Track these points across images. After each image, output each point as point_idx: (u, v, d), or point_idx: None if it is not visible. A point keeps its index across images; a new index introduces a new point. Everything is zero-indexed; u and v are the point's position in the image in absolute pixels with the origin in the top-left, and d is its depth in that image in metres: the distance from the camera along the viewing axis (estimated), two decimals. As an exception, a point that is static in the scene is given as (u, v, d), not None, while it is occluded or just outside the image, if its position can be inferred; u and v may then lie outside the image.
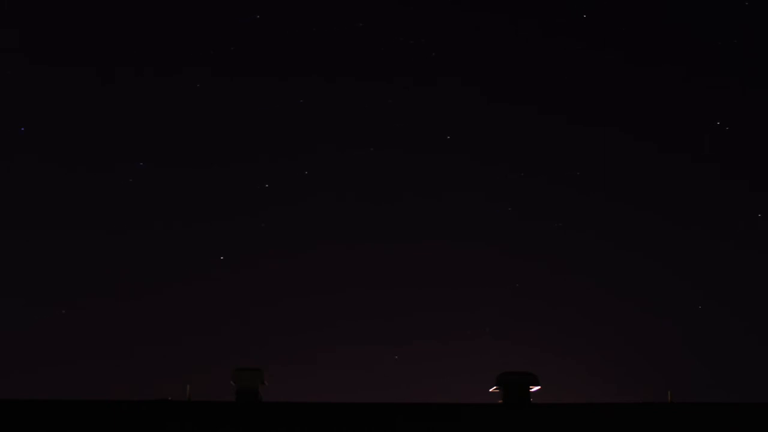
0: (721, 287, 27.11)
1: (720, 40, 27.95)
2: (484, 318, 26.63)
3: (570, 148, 28.01)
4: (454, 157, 27.81)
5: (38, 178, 27.13)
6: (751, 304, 26.87)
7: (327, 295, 26.96)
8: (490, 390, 19.37)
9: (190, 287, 26.99)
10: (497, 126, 27.98)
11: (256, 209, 27.48)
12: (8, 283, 26.54)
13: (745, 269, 27.23)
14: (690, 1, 28.15)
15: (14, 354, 25.30)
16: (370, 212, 27.67)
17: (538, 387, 19.20)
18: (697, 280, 27.24)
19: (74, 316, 26.47)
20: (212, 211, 27.49)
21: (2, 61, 27.07)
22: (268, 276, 27.28)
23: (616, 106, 28.13)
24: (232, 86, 27.65)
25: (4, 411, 18.08)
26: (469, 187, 27.73)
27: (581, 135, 28.04)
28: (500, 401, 19.20)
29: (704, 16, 28.01)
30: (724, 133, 27.67)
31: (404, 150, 27.70)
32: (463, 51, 28.12)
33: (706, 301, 27.01)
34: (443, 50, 28.07)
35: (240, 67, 27.80)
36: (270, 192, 27.49)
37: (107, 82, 27.48)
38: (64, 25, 27.49)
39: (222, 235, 27.35)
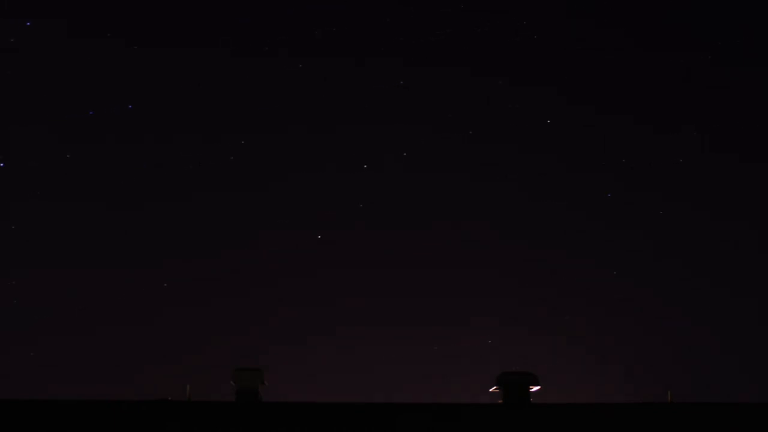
0: (721, 287, 27.16)
1: (720, 40, 28.00)
2: (483, 318, 26.67)
3: (568, 144, 28.06)
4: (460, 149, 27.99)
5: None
6: (751, 304, 26.91)
7: (327, 296, 27.02)
8: (490, 390, 19.38)
9: (188, 286, 27.05)
10: (499, 122, 28.09)
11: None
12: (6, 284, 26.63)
13: (745, 269, 27.29)
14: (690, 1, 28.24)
15: (13, 354, 25.36)
16: (370, 212, 27.72)
17: (538, 387, 19.22)
18: (698, 279, 27.30)
19: (74, 316, 26.53)
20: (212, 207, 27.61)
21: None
22: (266, 275, 27.34)
23: (615, 104, 28.19)
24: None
25: (4, 411, 18.09)
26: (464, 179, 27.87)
27: (581, 132, 28.10)
28: (500, 401, 19.22)
29: (704, 16, 28.09)
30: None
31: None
32: (462, 52, 28.18)
33: (706, 301, 27.08)
34: (442, 50, 28.14)
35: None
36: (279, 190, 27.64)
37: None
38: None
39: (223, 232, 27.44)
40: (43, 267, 26.78)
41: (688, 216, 27.65)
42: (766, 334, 26.35)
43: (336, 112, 27.87)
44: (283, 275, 27.21)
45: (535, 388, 19.19)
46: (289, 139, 27.83)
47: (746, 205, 27.62)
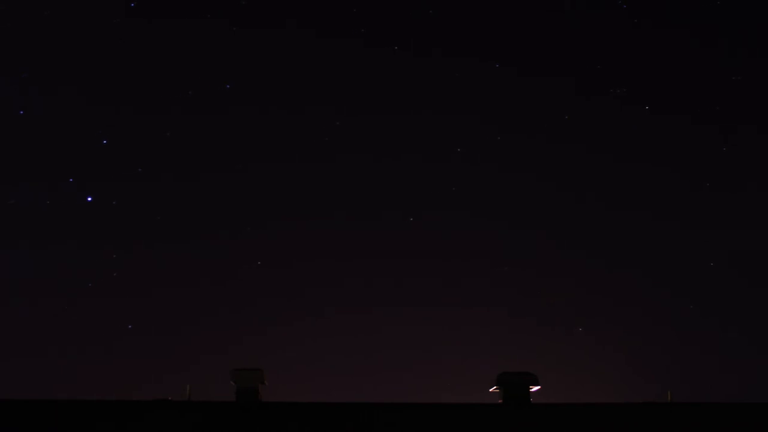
0: (720, 286, 27.17)
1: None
2: (484, 317, 26.67)
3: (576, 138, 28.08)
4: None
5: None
6: (751, 304, 26.92)
7: (327, 297, 27.01)
8: (490, 390, 19.38)
9: (188, 285, 27.05)
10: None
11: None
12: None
13: (745, 269, 27.29)
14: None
15: (12, 353, 25.37)
16: (365, 210, 27.71)
17: (538, 387, 19.22)
18: (697, 279, 27.31)
19: (73, 315, 26.54)
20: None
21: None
22: (267, 273, 27.35)
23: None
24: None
25: (4, 411, 18.09)
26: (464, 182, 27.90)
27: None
28: (500, 401, 19.22)
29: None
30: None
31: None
32: (466, 48, 28.20)
33: (706, 300, 27.09)
34: (448, 43, 28.18)
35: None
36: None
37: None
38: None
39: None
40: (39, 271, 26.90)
41: (687, 216, 27.72)
42: (765, 334, 26.40)
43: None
44: (284, 274, 27.26)
45: (535, 388, 19.19)
46: (295, 125, 27.94)
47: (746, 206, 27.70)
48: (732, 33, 27.98)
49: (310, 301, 26.86)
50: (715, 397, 19.66)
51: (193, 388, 18.92)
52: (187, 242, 27.22)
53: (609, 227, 27.61)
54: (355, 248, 27.37)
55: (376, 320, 26.75)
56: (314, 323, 26.60)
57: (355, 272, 27.21)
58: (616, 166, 27.88)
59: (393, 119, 27.84)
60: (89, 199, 26.66)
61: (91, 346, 25.99)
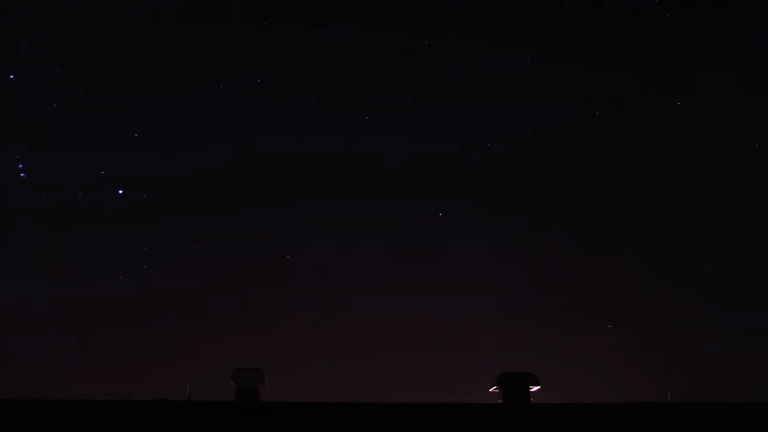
0: (721, 286, 27.16)
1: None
2: (484, 317, 26.67)
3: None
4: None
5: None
6: (751, 304, 26.90)
7: (327, 297, 27.02)
8: (490, 390, 19.38)
9: (190, 284, 27.05)
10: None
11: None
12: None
13: (746, 268, 27.27)
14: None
15: (13, 353, 25.39)
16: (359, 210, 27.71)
17: (538, 387, 19.22)
18: (697, 279, 27.30)
19: (74, 315, 26.56)
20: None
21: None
22: (268, 273, 27.35)
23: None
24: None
25: (4, 411, 18.09)
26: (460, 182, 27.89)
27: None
28: (500, 401, 19.22)
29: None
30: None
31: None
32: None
33: (706, 300, 27.08)
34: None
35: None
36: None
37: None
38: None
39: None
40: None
41: (685, 215, 27.71)
42: (765, 334, 26.38)
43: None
44: (285, 274, 27.25)
45: (535, 388, 19.19)
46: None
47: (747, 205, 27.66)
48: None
49: (311, 301, 26.90)
50: (715, 397, 19.68)
51: (193, 388, 18.95)
52: (186, 240, 27.24)
53: (610, 226, 27.64)
54: (355, 248, 27.41)
55: (377, 320, 26.78)
56: (315, 323, 26.63)
57: (355, 272, 27.25)
58: (617, 164, 27.89)
59: (396, 117, 27.93)
60: (120, 192, 26.75)
61: (91, 346, 26.02)
